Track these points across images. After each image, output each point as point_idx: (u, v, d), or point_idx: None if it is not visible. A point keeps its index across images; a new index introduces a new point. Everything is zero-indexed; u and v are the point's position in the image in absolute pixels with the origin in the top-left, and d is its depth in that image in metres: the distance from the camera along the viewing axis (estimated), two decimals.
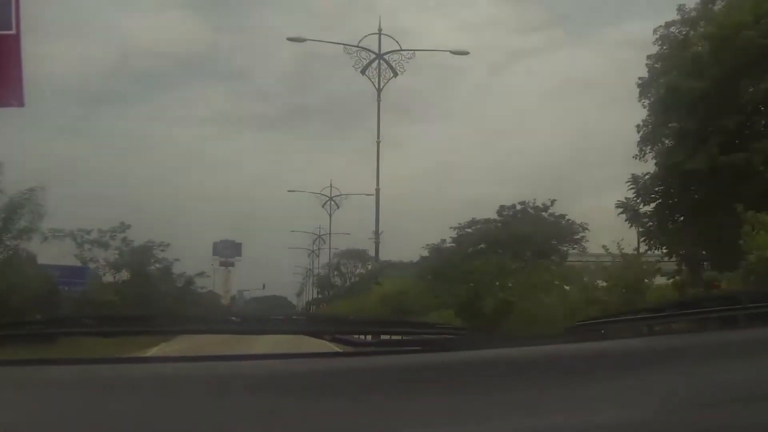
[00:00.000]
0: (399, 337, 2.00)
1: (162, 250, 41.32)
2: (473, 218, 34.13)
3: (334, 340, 1.98)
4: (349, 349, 1.86)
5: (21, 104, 3.69)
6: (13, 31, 3.78)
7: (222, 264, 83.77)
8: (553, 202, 31.88)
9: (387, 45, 38.14)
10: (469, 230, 33.63)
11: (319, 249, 75.61)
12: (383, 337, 2.11)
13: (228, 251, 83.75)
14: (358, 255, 75.51)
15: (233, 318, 2.11)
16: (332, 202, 61.47)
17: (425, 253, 43.57)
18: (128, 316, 2.51)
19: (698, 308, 2.03)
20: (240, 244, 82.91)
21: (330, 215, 62.60)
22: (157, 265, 41.89)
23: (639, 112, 22.74)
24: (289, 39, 39.21)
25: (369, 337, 2.05)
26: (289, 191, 60.32)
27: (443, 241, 34.56)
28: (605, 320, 2.15)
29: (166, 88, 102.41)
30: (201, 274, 48.51)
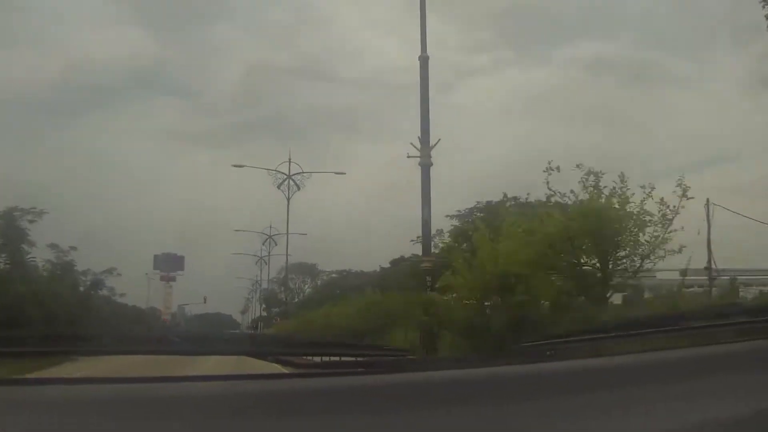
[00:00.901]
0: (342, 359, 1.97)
1: (31, 221, 25.71)
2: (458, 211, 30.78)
3: (278, 361, 1.94)
4: (294, 370, 1.83)
5: None
6: None
7: (163, 278, 78.13)
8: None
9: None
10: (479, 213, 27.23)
11: (269, 254, 62.47)
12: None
13: (169, 265, 77.16)
14: (307, 269, 67.74)
15: (176, 338, 2.05)
16: (291, 182, 47.99)
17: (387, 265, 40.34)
18: (53, 335, 2.33)
19: (644, 328, 2.05)
20: (182, 258, 75.63)
21: (288, 199, 47.90)
22: (37, 256, 26.55)
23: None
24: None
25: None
26: (234, 166, 45.95)
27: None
28: (552, 341, 2.15)
29: (114, 102, 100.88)
30: (110, 271, 32.70)
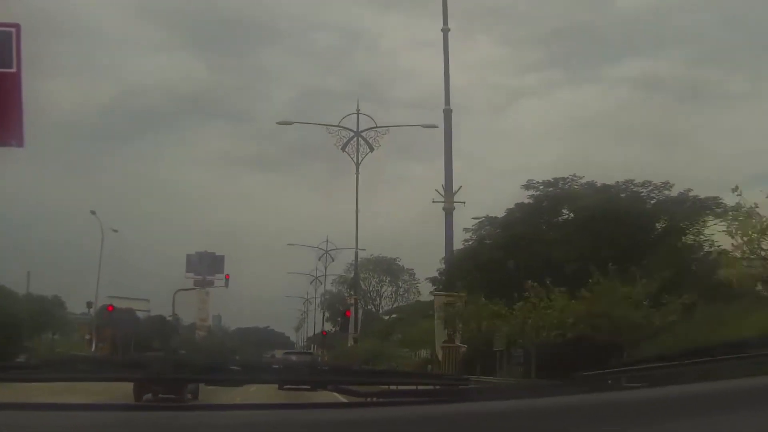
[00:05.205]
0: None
1: None
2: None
3: (337, 390, 1.94)
4: (354, 399, 1.82)
5: (20, 144, 3.66)
6: (13, 69, 3.75)
7: (197, 284, 58.96)
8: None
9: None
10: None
11: (327, 254, 54.12)
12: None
13: (206, 267, 58.25)
14: (384, 266, 52.92)
15: (233, 367, 2.03)
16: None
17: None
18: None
19: (708, 356, 2.00)
20: (222, 257, 56.92)
21: (357, 164, 39.56)
22: None
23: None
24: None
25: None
26: (278, 123, 41.55)
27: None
28: (611, 370, 2.12)
29: (165, 126, 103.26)
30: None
